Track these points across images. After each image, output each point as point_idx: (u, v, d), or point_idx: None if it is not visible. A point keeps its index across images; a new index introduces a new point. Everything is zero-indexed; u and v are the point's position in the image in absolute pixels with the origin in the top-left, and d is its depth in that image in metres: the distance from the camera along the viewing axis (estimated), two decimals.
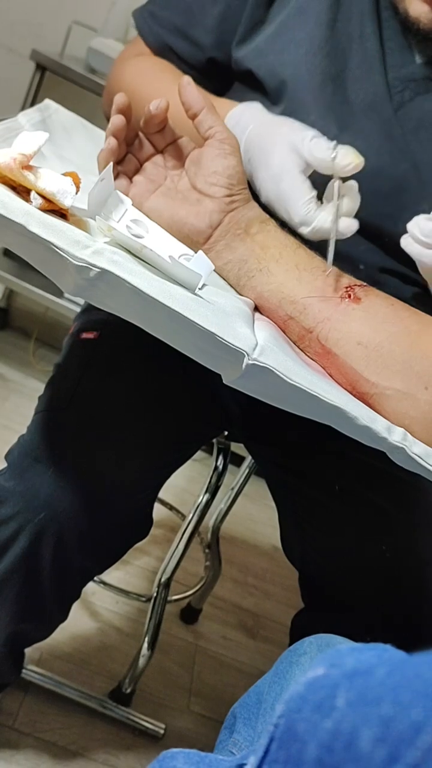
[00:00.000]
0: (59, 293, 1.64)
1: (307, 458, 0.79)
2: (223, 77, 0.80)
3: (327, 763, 0.25)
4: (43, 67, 1.55)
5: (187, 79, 0.63)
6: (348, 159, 0.59)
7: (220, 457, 1.01)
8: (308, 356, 0.58)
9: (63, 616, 0.80)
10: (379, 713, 0.25)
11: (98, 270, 0.46)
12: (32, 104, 1.58)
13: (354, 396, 0.54)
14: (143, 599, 1.24)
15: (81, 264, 0.46)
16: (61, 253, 0.46)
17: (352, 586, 0.77)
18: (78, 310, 1.54)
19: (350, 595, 0.77)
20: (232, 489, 1.21)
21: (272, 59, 0.73)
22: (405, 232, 0.68)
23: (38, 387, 1.78)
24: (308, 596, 0.85)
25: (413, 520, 0.76)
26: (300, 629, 0.86)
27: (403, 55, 0.70)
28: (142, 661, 1.04)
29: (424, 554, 0.75)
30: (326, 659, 0.29)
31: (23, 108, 1.62)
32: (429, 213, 0.68)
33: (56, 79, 1.57)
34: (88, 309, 0.83)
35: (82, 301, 1.37)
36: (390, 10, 0.70)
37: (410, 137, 0.70)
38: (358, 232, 0.71)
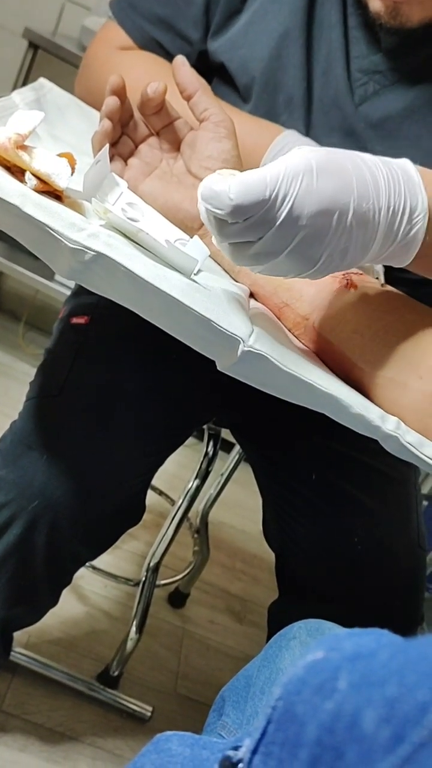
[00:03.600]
0: (49, 276, 1.62)
1: (286, 448, 0.80)
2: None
3: (327, 744, 0.25)
4: (35, 45, 1.53)
5: (182, 59, 0.61)
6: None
7: (211, 443, 1.02)
8: (303, 343, 0.58)
9: (54, 601, 0.81)
10: (383, 694, 0.25)
11: (93, 253, 0.45)
12: (24, 83, 1.55)
13: (348, 384, 0.54)
14: (132, 583, 1.24)
15: (76, 247, 0.45)
16: (56, 235, 0.45)
17: (323, 574, 0.78)
18: (68, 293, 1.53)
19: (322, 583, 0.78)
20: (222, 475, 1.21)
21: (243, 53, 0.70)
22: None
23: (27, 370, 1.77)
24: (282, 582, 0.86)
25: (387, 511, 0.76)
26: (276, 617, 0.87)
27: (368, 45, 0.68)
28: (129, 645, 1.05)
29: (395, 546, 0.76)
30: (324, 643, 0.29)
31: (15, 86, 1.60)
32: None
33: (49, 58, 1.55)
34: (78, 293, 0.82)
35: (72, 284, 1.35)
36: None
37: (371, 132, 0.68)
38: None
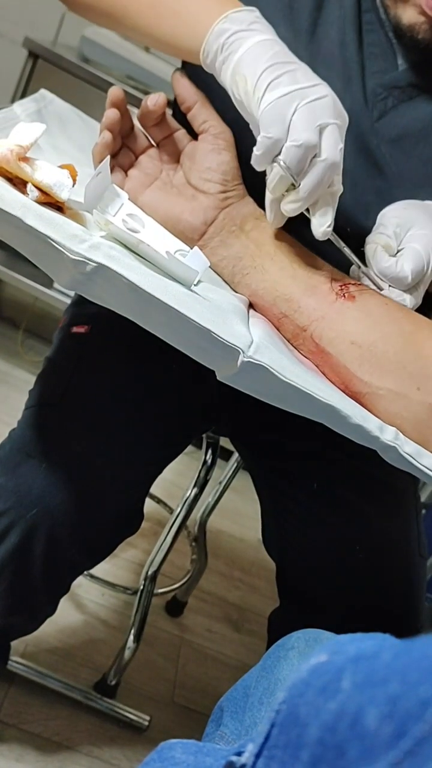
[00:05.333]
0: (48, 283, 1.62)
1: (286, 456, 0.80)
2: None
3: (328, 743, 0.26)
4: (35, 54, 1.54)
5: (181, 72, 0.62)
6: None
7: (209, 452, 1.02)
8: (302, 354, 0.58)
9: (52, 610, 0.80)
10: (386, 692, 0.25)
11: (95, 264, 0.46)
12: (24, 92, 1.56)
13: (347, 395, 0.55)
14: (129, 592, 1.24)
15: (78, 258, 0.45)
16: (58, 246, 0.45)
17: (324, 582, 0.77)
18: (67, 300, 1.54)
19: (323, 593, 0.78)
20: (220, 483, 1.21)
21: None
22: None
23: (26, 377, 1.77)
24: (282, 591, 0.86)
25: (389, 520, 0.77)
26: (276, 626, 0.86)
27: (386, 60, 0.67)
28: (127, 654, 1.04)
29: (396, 555, 0.76)
30: (328, 647, 0.30)
31: (14, 96, 1.60)
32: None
33: (49, 68, 1.56)
34: (79, 302, 0.82)
35: (71, 293, 1.36)
36: (372, 13, 0.67)
37: (387, 148, 0.68)
38: (343, 241, 0.71)
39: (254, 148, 0.53)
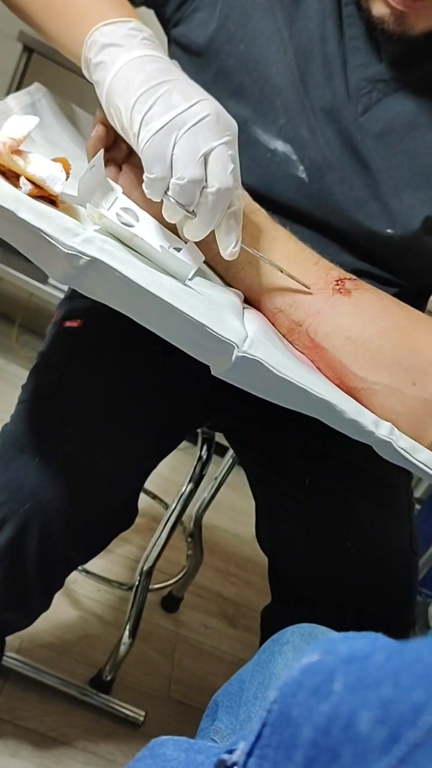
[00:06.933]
0: (43, 279, 1.62)
1: (280, 452, 0.80)
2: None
3: (322, 745, 0.26)
4: (30, 48, 1.53)
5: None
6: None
7: (205, 447, 1.02)
8: (297, 349, 0.58)
9: (46, 605, 0.80)
10: (378, 696, 0.25)
11: (88, 258, 0.45)
12: (18, 86, 1.55)
13: (342, 390, 0.55)
14: (125, 588, 1.24)
15: (71, 252, 0.45)
16: (51, 240, 0.45)
17: (316, 578, 0.78)
18: (62, 296, 1.53)
19: (314, 588, 0.78)
20: (216, 479, 1.21)
21: (244, 49, 0.68)
22: (377, 237, 0.67)
23: (21, 373, 1.76)
24: (275, 586, 0.86)
25: (381, 516, 0.77)
26: (268, 621, 0.87)
27: (369, 54, 0.67)
28: (122, 649, 1.04)
29: (388, 551, 0.76)
30: (320, 646, 0.30)
31: (9, 90, 1.59)
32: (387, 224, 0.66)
33: (43, 61, 1.55)
34: (72, 296, 0.82)
35: (66, 288, 1.35)
36: (352, 6, 0.66)
37: (372, 143, 0.67)
38: (332, 236, 0.70)
39: (143, 186, 0.52)
